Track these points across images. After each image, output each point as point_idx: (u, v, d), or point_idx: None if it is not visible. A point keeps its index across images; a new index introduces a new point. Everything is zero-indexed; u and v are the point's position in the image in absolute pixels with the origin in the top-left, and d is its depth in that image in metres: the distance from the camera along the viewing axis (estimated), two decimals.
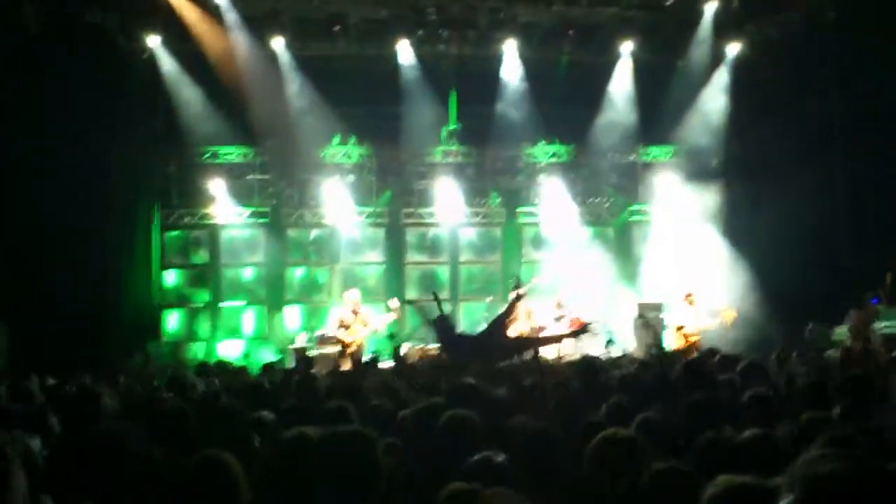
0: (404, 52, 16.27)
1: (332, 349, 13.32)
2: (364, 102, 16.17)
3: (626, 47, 16.64)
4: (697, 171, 17.30)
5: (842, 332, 13.19)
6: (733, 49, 16.56)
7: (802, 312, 14.21)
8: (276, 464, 3.98)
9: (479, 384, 5.73)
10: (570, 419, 4.98)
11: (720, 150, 17.09)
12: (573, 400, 5.77)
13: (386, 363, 11.62)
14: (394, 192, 16.95)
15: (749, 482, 2.65)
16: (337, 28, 15.80)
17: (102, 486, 3.48)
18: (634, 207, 17.48)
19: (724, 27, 16.24)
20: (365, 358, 12.21)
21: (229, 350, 15.75)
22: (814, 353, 9.61)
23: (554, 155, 17.36)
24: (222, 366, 10.16)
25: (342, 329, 13.23)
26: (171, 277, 16.64)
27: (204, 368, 9.03)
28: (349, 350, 13.03)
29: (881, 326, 12.58)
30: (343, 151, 16.71)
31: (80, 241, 13.51)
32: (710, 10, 15.82)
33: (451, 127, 17.14)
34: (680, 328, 13.62)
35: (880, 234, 13.50)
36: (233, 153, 16.45)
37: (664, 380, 6.45)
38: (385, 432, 4.44)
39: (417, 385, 7.21)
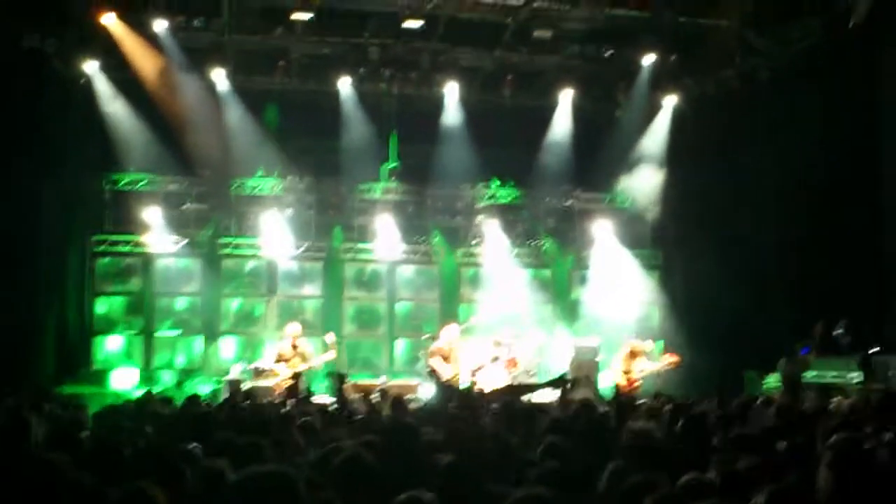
0: (346, 89, 16.32)
1: (268, 382, 13.08)
2: (305, 136, 16.14)
3: (566, 94, 16.97)
4: (635, 218, 17.69)
5: (773, 379, 13.47)
6: (670, 101, 17.01)
7: (737, 360, 14.54)
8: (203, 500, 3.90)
9: (416, 423, 5.70)
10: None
11: (656, 197, 17.46)
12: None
13: (321, 398, 11.48)
14: (340, 227, 16.88)
15: None
16: (280, 63, 15.82)
17: None
18: (571, 252, 17.70)
19: (662, 80, 16.69)
20: (301, 394, 12.06)
21: (162, 379, 15.40)
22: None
23: (493, 196, 17.53)
24: (149, 399, 9.89)
25: (281, 363, 13.03)
26: (103, 305, 16.24)
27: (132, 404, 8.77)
28: (286, 384, 12.82)
29: (811, 376, 12.86)
30: (282, 184, 16.61)
31: (11, 265, 13.11)
32: (647, 62, 16.25)
33: (392, 165, 17.21)
34: (626, 373, 13.63)
35: (814, 283, 13.91)
36: (170, 182, 16.21)
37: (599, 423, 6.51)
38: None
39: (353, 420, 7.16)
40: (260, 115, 16.14)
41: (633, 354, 13.61)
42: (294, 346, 13.10)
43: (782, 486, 3.51)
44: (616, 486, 3.85)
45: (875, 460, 4.48)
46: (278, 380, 12.92)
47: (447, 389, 10.90)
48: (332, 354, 13.31)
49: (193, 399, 8.66)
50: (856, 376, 12.19)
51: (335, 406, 9.12)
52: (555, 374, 13.63)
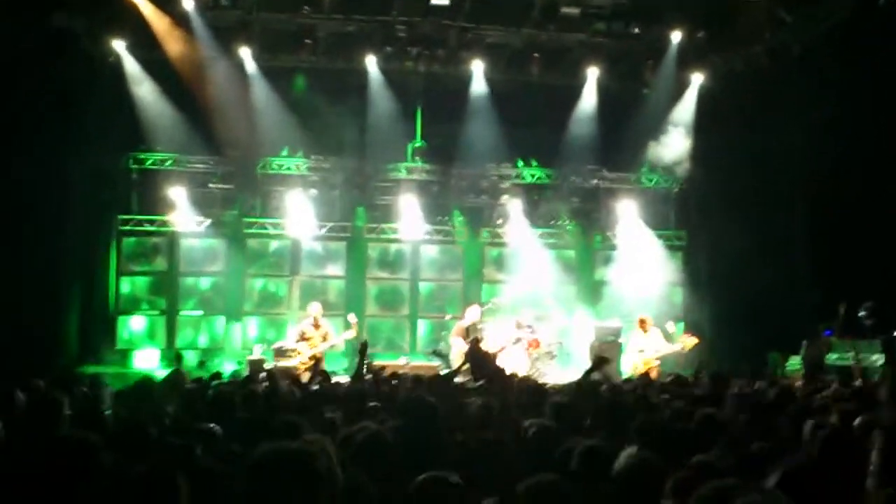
0: (372, 68, 16.28)
1: (290, 362, 13.21)
2: (331, 115, 16.16)
3: (593, 73, 16.81)
4: (659, 198, 17.58)
5: (796, 362, 13.38)
6: (698, 79, 16.81)
7: (762, 341, 14.43)
8: (221, 480, 3.95)
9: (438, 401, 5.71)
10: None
11: (682, 177, 17.33)
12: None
13: (341, 378, 11.54)
14: (364, 207, 16.91)
15: None
16: (306, 41, 15.81)
17: (65, 492, 3.44)
18: (596, 232, 17.60)
19: (689, 58, 16.49)
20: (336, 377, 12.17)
21: (185, 359, 15.53)
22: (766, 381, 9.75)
23: (517, 176, 17.46)
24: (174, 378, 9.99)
25: (302, 341, 13.17)
26: (127, 285, 16.41)
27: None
28: (308, 363, 12.96)
29: (833, 358, 12.78)
30: (307, 163, 16.64)
31: (37, 244, 13.28)
32: (675, 39, 16.05)
33: (417, 144, 17.18)
34: (641, 352, 13.69)
35: (839, 265, 13.75)
36: (196, 161, 16.30)
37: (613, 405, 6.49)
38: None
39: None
40: (286, 93, 16.11)
41: (642, 325, 13.66)
42: (316, 325, 13.26)
43: (794, 466, 3.54)
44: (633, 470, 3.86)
45: None
46: (301, 359, 13.06)
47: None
48: (352, 333, 13.41)
49: (215, 378, 8.72)
50: (878, 358, 12.10)
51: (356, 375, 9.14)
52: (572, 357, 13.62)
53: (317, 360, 12.99)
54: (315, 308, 13.49)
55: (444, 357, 13.83)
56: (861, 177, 13.59)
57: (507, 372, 9.96)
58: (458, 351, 13.33)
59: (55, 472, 3.57)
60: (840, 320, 13.12)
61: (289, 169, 16.70)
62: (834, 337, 13.20)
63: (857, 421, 5.50)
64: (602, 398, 6.91)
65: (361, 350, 9.38)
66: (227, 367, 13.90)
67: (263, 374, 9.52)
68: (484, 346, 13.51)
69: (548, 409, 5.84)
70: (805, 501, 3.03)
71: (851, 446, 4.56)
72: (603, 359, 8.35)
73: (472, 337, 11.53)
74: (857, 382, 8.53)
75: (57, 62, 13.74)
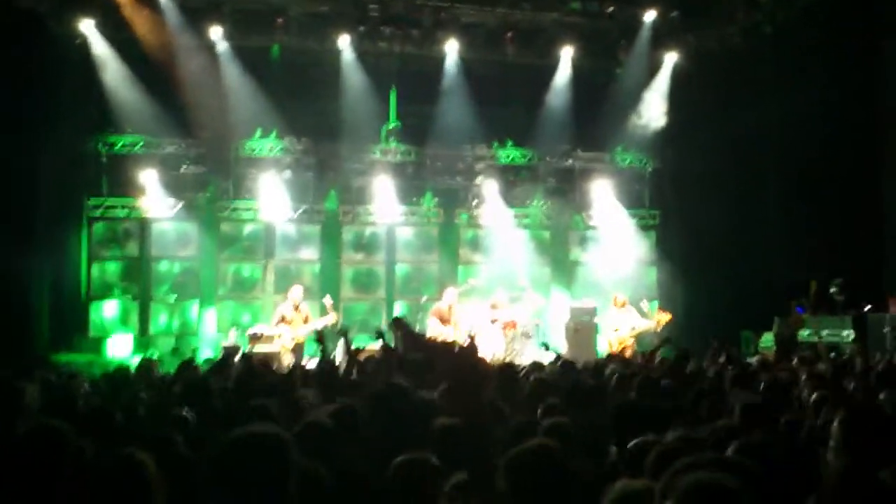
0: (345, 48, 16.15)
1: (265, 346, 13.15)
2: (304, 97, 16.00)
3: (567, 52, 16.78)
4: (633, 178, 17.65)
5: (768, 339, 13.53)
6: (671, 58, 16.84)
7: (735, 319, 14.57)
8: (194, 465, 3.92)
9: (409, 386, 5.69)
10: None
11: (655, 156, 17.41)
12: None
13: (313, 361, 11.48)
14: (339, 189, 16.80)
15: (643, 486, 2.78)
16: (278, 20, 15.64)
17: (38, 482, 3.39)
18: (571, 212, 17.63)
19: (663, 37, 16.52)
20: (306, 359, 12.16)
21: (158, 345, 15.41)
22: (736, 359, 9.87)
23: (493, 157, 17.42)
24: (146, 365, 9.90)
25: (283, 325, 13.13)
26: (99, 270, 16.21)
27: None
28: (288, 347, 12.94)
29: (805, 335, 12.95)
30: (280, 146, 16.49)
31: (5, 231, 13.07)
32: (649, 19, 16.06)
33: (392, 125, 17.07)
34: (616, 330, 13.83)
35: (810, 243, 13.90)
36: (167, 144, 16.09)
37: (595, 384, 6.53)
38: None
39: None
40: (258, 74, 15.90)
41: (616, 303, 13.83)
42: (296, 308, 13.24)
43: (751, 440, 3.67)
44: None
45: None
46: (282, 342, 13.02)
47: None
48: (332, 317, 13.38)
49: (188, 364, 8.66)
50: (849, 334, 12.29)
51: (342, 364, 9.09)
52: (550, 338, 13.66)
53: (298, 345, 12.96)
54: (296, 291, 13.50)
55: (384, 336, 13.65)
56: (835, 156, 13.73)
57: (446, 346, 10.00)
58: (433, 332, 13.33)
59: (21, 460, 3.51)
60: (812, 297, 13.31)
61: (262, 151, 16.54)
62: (806, 314, 13.37)
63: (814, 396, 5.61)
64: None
65: (343, 335, 9.32)
66: (204, 353, 13.80)
67: (238, 357, 9.44)
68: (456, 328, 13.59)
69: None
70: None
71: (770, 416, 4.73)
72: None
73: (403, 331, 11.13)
74: (821, 366, 8.62)
75: (23, 44, 13.48)
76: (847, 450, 3.74)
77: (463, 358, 8.06)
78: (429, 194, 17.21)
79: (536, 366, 8.59)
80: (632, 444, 4.00)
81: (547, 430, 4.39)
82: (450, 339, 12.37)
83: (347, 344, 9.11)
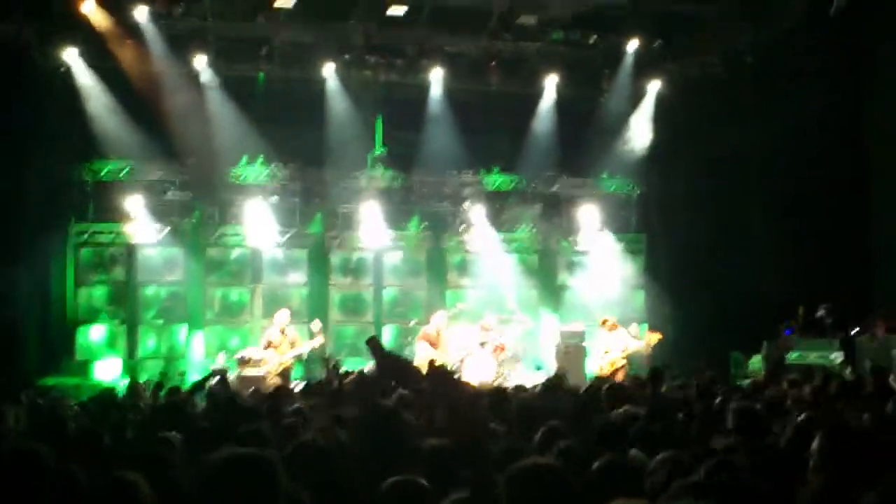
0: (330, 76, 16.23)
1: (253, 371, 13.10)
2: (290, 124, 16.06)
3: (551, 81, 16.94)
4: (619, 203, 17.78)
5: (757, 361, 13.60)
6: (654, 86, 17.02)
7: (724, 342, 14.65)
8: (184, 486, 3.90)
9: (398, 408, 5.69)
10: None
11: (641, 181, 17.55)
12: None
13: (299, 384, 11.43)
14: (322, 214, 16.82)
15: None
16: (262, 49, 15.73)
17: None
18: (558, 237, 17.72)
19: (646, 66, 16.70)
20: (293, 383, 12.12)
21: (146, 369, 15.33)
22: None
23: (479, 183, 17.50)
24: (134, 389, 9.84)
25: (270, 349, 13.11)
26: (86, 295, 16.13)
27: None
28: (275, 371, 12.92)
29: (794, 357, 13.00)
30: (266, 172, 16.51)
31: None
32: (632, 48, 16.25)
33: (378, 152, 17.15)
34: (606, 353, 13.83)
35: (798, 265, 14.02)
36: (153, 170, 16.09)
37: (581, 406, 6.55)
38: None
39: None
40: (243, 102, 15.97)
41: (605, 325, 13.86)
42: (282, 333, 13.26)
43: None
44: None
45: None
46: (268, 367, 12.99)
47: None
48: (319, 340, 13.38)
49: (175, 389, 8.63)
50: (837, 356, 12.36)
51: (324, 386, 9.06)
52: (542, 361, 13.69)
53: (285, 369, 12.94)
54: (282, 315, 13.54)
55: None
56: (820, 178, 13.90)
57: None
58: (422, 356, 13.30)
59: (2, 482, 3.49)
60: (800, 320, 13.39)
61: (247, 177, 16.55)
62: (794, 336, 13.45)
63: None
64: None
65: (333, 365, 9.29)
66: (192, 377, 13.73)
67: (216, 379, 9.37)
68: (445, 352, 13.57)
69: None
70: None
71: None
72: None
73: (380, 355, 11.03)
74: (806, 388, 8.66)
75: (7, 72, 13.50)
76: (826, 469, 3.76)
77: (436, 380, 8.03)
78: (416, 219, 17.26)
79: (520, 388, 8.61)
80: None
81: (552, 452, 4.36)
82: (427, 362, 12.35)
83: (337, 372, 9.08)
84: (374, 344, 10.38)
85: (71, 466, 3.76)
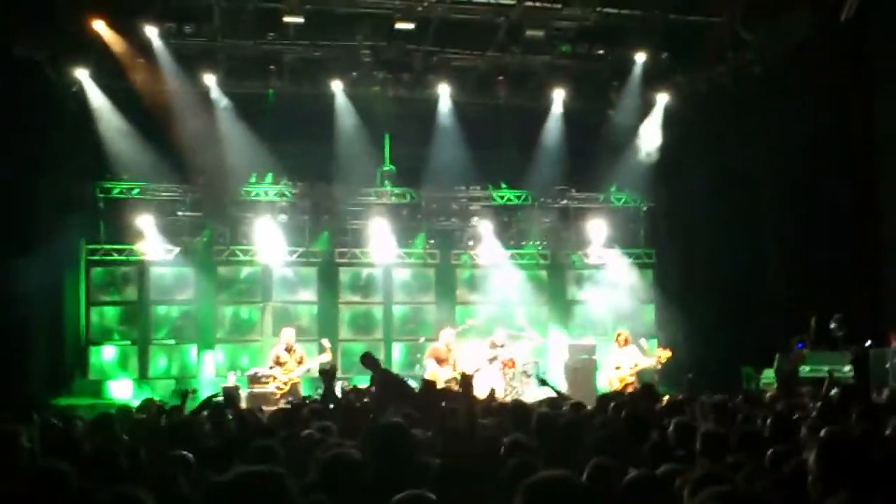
0: (339, 93, 16.31)
1: (264, 388, 13.14)
2: (299, 140, 16.12)
3: (559, 94, 16.96)
4: (628, 217, 17.75)
5: (769, 375, 13.51)
6: (663, 99, 17.01)
7: (736, 356, 14.57)
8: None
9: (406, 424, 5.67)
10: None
11: (649, 195, 17.52)
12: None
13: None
14: (330, 231, 16.86)
15: None
16: (271, 67, 15.82)
17: None
18: (567, 251, 17.70)
19: (654, 79, 16.69)
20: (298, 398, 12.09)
21: (157, 389, 15.34)
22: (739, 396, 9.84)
23: (487, 198, 17.52)
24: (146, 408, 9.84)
25: (277, 367, 13.18)
26: (97, 315, 16.20)
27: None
28: (284, 388, 12.97)
29: (806, 370, 12.92)
30: (275, 190, 16.58)
31: (4, 275, 13.06)
32: (639, 61, 16.25)
33: (386, 168, 17.19)
34: (617, 368, 13.78)
35: (810, 278, 13.95)
36: (163, 189, 16.18)
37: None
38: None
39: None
40: (253, 120, 16.05)
41: (619, 339, 13.81)
42: (289, 350, 13.31)
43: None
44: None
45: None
46: (276, 384, 13.06)
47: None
48: (326, 357, 13.40)
49: (175, 408, 8.65)
50: (850, 369, 12.28)
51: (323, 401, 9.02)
52: (548, 376, 13.61)
53: (292, 386, 12.96)
54: (288, 333, 13.58)
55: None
56: (831, 190, 13.84)
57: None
58: (430, 372, 13.30)
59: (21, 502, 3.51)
60: (811, 332, 13.31)
61: (257, 195, 16.62)
62: (806, 349, 13.36)
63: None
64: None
65: (328, 374, 9.23)
66: (200, 396, 13.71)
67: (222, 398, 9.33)
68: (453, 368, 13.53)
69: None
70: None
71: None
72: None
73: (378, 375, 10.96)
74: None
75: (20, 92, 13.60)
76: (824, 481, 3.74)
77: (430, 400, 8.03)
78: (424, 235, 17.28)
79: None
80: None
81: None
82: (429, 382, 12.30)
83: (331, 383, 9.03)
84: (369, 360, 10.39)
85: (87, 486, 3.77)
